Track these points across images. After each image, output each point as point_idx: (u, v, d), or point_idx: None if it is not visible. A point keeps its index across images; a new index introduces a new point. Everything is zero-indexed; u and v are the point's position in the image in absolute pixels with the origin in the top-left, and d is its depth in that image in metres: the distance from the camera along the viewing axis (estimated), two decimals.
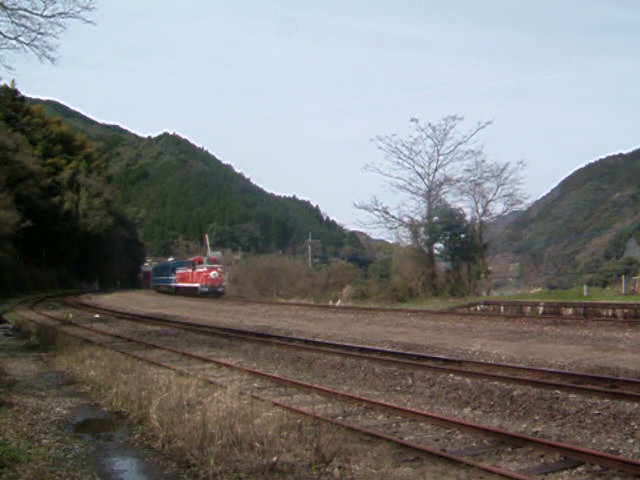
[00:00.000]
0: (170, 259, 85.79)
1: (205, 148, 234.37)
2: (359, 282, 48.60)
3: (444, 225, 42.82)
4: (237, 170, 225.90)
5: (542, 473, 6.01)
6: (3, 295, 44.27)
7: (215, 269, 49.99)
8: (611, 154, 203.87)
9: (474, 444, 7.01)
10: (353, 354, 13.80)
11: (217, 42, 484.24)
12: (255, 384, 10.81)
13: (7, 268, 52.89)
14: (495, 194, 43.64)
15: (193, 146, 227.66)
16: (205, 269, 49.38)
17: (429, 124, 43.51)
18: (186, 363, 13.44)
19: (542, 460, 6.40)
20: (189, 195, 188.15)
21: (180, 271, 55.53)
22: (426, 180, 45.11)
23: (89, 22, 24.56)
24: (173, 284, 57.32)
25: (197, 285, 49.03)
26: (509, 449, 6.75)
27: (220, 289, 49.28)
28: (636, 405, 8.30)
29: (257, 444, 6.12)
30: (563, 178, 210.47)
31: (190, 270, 51.75)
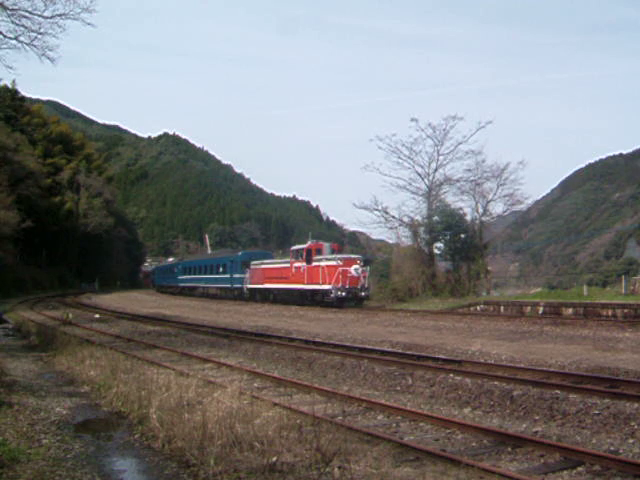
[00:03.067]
0: (170, 259, 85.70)
1: (205, 148, 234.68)
2: None
3: (444, 225, 42.79)
4: (237, 170, 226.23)
5: (542, 473, 6.01)
6: (3, 295, 44.27)
7: (355, 261, 31.70)
8: (611, 154, 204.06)
9: (474, 444, 7.01)
10: (353, 354, 13.80)
11: (217, 41, 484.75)
12: (255, 384, 10.81)
13: (7, 268, 52.85)
14: (495, 194, 43.60)
15: (193, 146, 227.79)
16: (338, 262, 30.98)
17: (429, 124, 43.46)
18: (186, 363, 13.43)
19: (542, 460, 6.40)
20: (189, 195, 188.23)
21: (264, 266, 38.36)
22: (426, 180, 45.09)
23: (89, 24, 24.64)
24: (241, 285, 41.11)
25: (325, 287, 30.87)
26: (509, 449, 6.75)
27: (364, 293, 31.64)
28: (636, 405, 8.29)
29: (257, 444, 6.12)
30: (563, 178, 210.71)
31: (299, 264, 33.49)
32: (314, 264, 32.13)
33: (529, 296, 35.20)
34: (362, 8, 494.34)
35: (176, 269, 59.97)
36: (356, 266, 31.12)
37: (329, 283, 30.56)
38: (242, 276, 41.29)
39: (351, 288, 30.68)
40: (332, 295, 30.32)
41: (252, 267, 39.83)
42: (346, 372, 12.16)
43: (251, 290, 39.91)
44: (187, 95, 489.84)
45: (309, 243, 34.40)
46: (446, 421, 7.88)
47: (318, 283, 31.51)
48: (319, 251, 33.23)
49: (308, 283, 32.48)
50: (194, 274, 53.29)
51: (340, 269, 30.56)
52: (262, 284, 37.97)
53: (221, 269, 45.87)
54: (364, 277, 31.49)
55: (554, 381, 10.04)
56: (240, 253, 44.78)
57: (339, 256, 32.04)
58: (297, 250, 34.57)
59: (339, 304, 30.10)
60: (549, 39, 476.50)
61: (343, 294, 30.46)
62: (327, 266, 31.04)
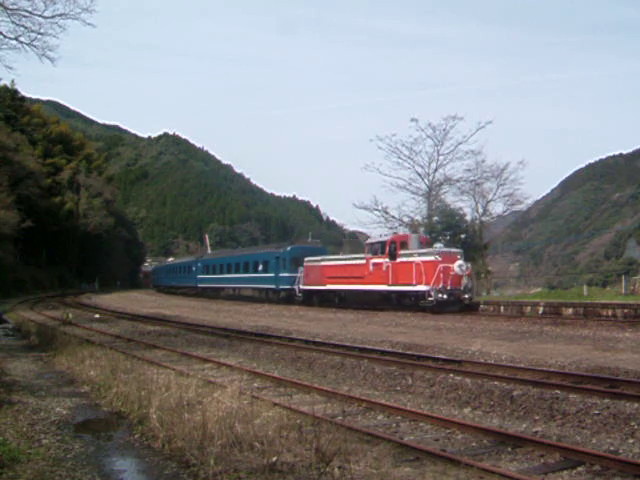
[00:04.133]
0: (170, 259, 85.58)
1: (205, 148, 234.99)
2: None
3: (444, 225, 42.82)
4: (237, 170, 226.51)
5: (542, 473, 6.01)
6: (3, 295, 44.27)
7: (456, 256, 26.16)
8: (611, 154, 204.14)
9: (474, 444, 7.01)
10: (353, 354, 13.80)
11: (217, 41, 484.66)
12: (255, 384, 10.81)
13: (7, 268, 52.87)
14: (495, 194, 43.67)
15: (193, 146, 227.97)
16: (436, 257, 25.37)
17: (429, 124, 43.57)
18: (186, 363, 13.44)
19: (542, 460, 6.40)
20: (189, 195, 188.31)
21: (325, 264, 32.07)
22: (426, 180, 45.15)
23: (89, 24, 24.67)
24: (290, 285, 34.76)
25: (421, 288, 25.15)
26: (509, 449, 6.75)
27: (467, 295, 25.93)
28: (636, 405, 8.29)
29: (257, 444, 6.12)
30: (563, 178, 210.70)
31: (379, 260, 27.64)
32: (401, 260, 26.60)
33: (529, 296, 35.19)
34: (362, 8, 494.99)
35: (194, 267, 53.33)
36: (460, 262, 25.62)
37: (426, 283, 24.81)
38: (291, 275, 34.63)
39: (453, 289, 25.08)
40: (431, 298, 24.68)
41: (307, 264, 33.25)
42: (346, 372, 12.17)
43: (306, 292, 33.26)
44: (187, 95, 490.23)
45: (390, 234, 29.36)
46: (446, 421, 7.88)
47: (409, 283, 25.83)
48: (404, 244, 27.61)
49: (393, 283, 26.70)
50: (220, 273, 46.66)
51: (441, 266, 24.93)
52: (322, 285, 31.65)
53: (261, 267, 39.05)
54: (468, 276, 26.02)
55: (554, 381, 10.04)
56: (289, 248, 36.92)
57: (438, 250, 26.25)
58: (375, 244, 28.66)
59: (438, 308, 24.62)
60: (549, 39, 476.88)
61: (444, 297, 24.83)
62: (424, 262, 25.31)
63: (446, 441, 7.19)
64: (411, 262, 25.94)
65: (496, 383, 10.09)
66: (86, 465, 6.20)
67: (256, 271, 39.74)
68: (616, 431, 7.48)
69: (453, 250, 27.37)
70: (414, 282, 25.52)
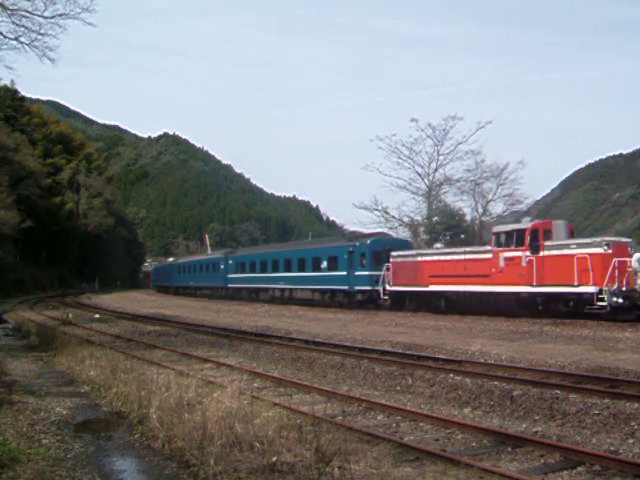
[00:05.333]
0: (170, 259, 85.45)
1: (205, 148, 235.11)
2: None
3: (444, 225, 42.83)
4: (237, 170, 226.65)
5: (542, 473, 6.01)
6: (3, 295, 44.26)
7: (627, 247, 20.27)
8: (611, 154, 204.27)
9: (474, 444, 7.01)
10: (353, 354, 13.80)
11: (217, 41, 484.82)
12: (255, 384, 10.81)
13: (7, 268, 52.87)
14: (495, 194, 43.70)
15: (193, 146, 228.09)
16: (605, 249, 19.56)
17: (429, 124, 43.66)
18: (186, 363, 13.44)
19: (542, 460, 6.40)
20: (189, 195, 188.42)
21: (425, 259, 26.48)
22: (426, 180, 45.21)
23: (89, 24, 24.63)
24: (371, 286, 28.95)
25: (587, 290, 19.31)
26: (509, 449, 6.75)
27: None
28: (636, 405, 8.29)
29: (257, 444, 6.12)
30: (563, 178, 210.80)
31: (514, 254, 21.80)
32: (550, 253, 20.73)
33: None
34: (362, 8, 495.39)
35: (222, 264, 47.11)
36: (638, 255, 19.36)
37: (594, 283, 19.07)
38: (372, 274, 28.74)
39: (630, 291, 19.20)
40: (603, 303, 18.76)
41: (395, 261, 27.61)
42: (346, 372, 12.16)
43: (395, 294, 27.35)
44: (187, 95, 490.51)
45: (529, 222, 22.55)
46: (446, 421, 7.88)
47: (567, 283, 19.88)
48: (547, 233, 21.62)
49: (540, 284, 20.73)
50: (261, 272, 40.33)
51: (615, 260, 19.07)
52: (420, 285, 25.95)
53: (325, 264, 32.86)
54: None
55: (554, 381, 10.04)
56: (369, 241, 30.85)
57: (606, 239, 20.21)
58: (508, 232, 22.53)
59: (612, 316, 18.98)
60: (549, 39, 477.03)
61: (619, 300, 18.93)
62: (590, 255, 19.36)
63: (446, 441, 7.19)
64: (569, 255, 19.98)
65: (496, 383, 10.09)
66: (86, 465, 6.20)
67: (317, 269, 33.42)
68: (616, 431, 7.47)
69: (623, 240, 21.34)
70: (576, 282, 19.56)
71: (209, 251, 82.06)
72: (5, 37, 23.90)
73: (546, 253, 20.92)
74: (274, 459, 5.78)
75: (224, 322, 23.47)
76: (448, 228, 42.74)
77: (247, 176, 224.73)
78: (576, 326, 18.51)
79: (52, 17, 23.42)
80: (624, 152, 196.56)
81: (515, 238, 21.99)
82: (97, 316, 29.42)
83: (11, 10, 23.21)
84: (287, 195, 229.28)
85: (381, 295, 28.00)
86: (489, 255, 22.95)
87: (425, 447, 6.61)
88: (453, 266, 24.50)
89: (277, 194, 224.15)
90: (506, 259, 22.14)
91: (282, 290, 38.53)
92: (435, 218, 44.05)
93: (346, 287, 30.73)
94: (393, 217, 45.15)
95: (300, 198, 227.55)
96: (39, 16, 23.34)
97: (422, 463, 6.20)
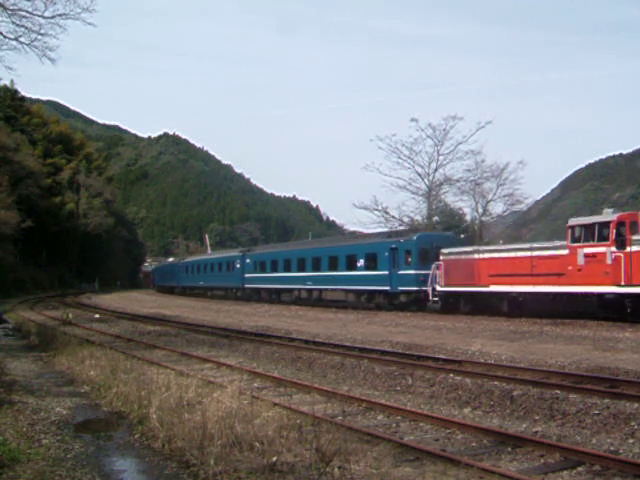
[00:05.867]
0: (170, 259, 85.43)
1: (205, 148, 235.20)
2: None
3: (444, 225, 42.82)
4: (237, 170, 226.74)
5: (542, 473, 6.00)
6: (3, 295, 44.28)
7: None
8: (611, 154, 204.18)
9: (474, 444, 7.01)
10: (353, 354, 13.80)
11: (217, 41, 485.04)
12: (255, 384, 10.81)
13: (7, 268, 52.89)
14: (495, 194, 43.62)
15: (193, 146, 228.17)
16: None
17: (429, 124, 43.55)
18: (186, 363, 13.44)
19: (542, 460, 6.40)
20: (189, 195, 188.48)
21: (484, 256, 23.85)
22: (426, 180, 45.13)
23: (89, 24, 24.59)
24: (418, 287, 26.64)
25: None
26: (509, 449, 6.75)
27: None
28: (636, 405, 8.29)
29: (257, 444, 6.12)
30: (563, 178, 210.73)
31: (596, 249, 19.67)
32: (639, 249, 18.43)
33: None
34: (362, 8, 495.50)
35: (238, 263, 44.34)
36: None
37: None
38: (419, 273, 26.59)
39: None
40: None
41: (447, 258, 25.31)
42: (346, 372, 12.16)
43: (448, 295, 25.07)
44: (187, 95, 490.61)
45: (612, 213, 20.35)
46: (446, 421, 7.87)
47: None
48: (634, 226, 19.54)
49: (628, 283, 18.43)
50: (284, 271, 37.80)
51: None
52: (478, 285, 23.47)
53: (362, 262, 30.55)
54: None
55: (554, 381, 10.04)
56: (415, 237, 28.53)
57: None
58: (587, 226, 20.34)
59: None
60: (549, 39, 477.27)
61: None
62: None
63: (446, 441, 7.19)
64: None
65: (496, 383, 10.09)
66: (86, 465, 6.20)
67: (352, 268, 31.11)
68: (616, 431, 7.47)
69: None
70: None
71: (209, 251, 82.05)
72: (5, 37, 23.89)
73: (634, 249, 18.48)
74: (274, 459, 5.77)
75: (224, 322, 23.47)
76: (448, 228, 42.70)
77: (247, 176, 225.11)
78: (576, 326, 18.52)
79: (52, 17, 23.41)
80: (624, 152, 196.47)
81: (597, 232, 19.78)
82: (97, 316, 29.43)
83: (11, 10, 23.21)
84: (287, 195, 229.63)
85: (430, 296, 25.65)
86: (564, 251, 20.62)
87: (425, 447, 6.61)
88: (518, 264, 21.98)
89: (277, 194, 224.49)
90: (586, 256, 19.84)
91: (309, 291, 35.67)
92: (435, 218, 44.06)
93: (387, 287, 28.51)
94: (393, 217, 45.11)
95: (300, 198, 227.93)
96: (39, 16, 23.33)
97: (422, 463, 6.20)
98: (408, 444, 6.71)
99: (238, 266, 44.37)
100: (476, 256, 24.25)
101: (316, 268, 34.22)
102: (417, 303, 27.18)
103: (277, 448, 6.04)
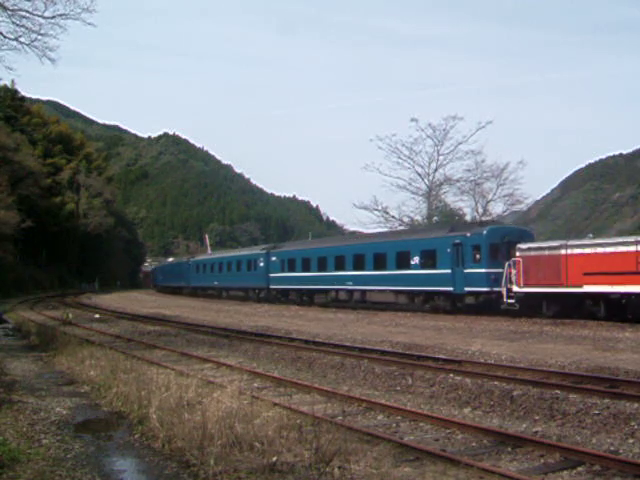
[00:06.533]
0: (170, 259, 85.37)
1: (205, 148, 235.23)
2: None
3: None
4: (237, 170, 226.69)
5: (542, 473, 6.00)
6: (3, 295, 44.28)
7: None
8: (611, 154, 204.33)
9: (474, 444, 7.01)
10: (353, 354, 13.80)
11: (217, 41, 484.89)
12: (255, 384, 10.80)
13: (7, 268, 52.89)
14: (495, 194, 43.73)
15: (193, 146, 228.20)
16: None
17: (429, 124, 43.66)
18: (186, 363, 13.44)
19: (542, 460, 6.40)
20: (189, 195, 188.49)
21: (585, 252, 20.31)
22: (426, 180, 45.21)
23: (89, 24, 24.59)
24: (488, 287, 23.38)
25: None
26: (509, 449, 6.75)
27: None
28: (636, 405, 8.29)
29: (257, 444, 6.12)
30: (563, 178, 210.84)
31: None
32: None
33: None
34: (362, 8, 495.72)
35: (262, 262, 40.10)
36: None
37: None
38: (491, 271, 23.42)
39: None
40: None
41: (525, 255, 22.10)
42: (346, 372, 12.16)
43: (527, 297, 21.84)
44: (187, 95, 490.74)
45: None
46: (446, 421, 7.87)
47: None
48: None
49: None
50: (317, 270, 34.14)
51: None
52: (571, 285, 20.21)
53: (417, 260, 27.19)
54: None
55: (554, 381, 10.04)
56: (485, 231, 24.78)
57: None
58: None
59: None
60: (549, 39, 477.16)
61: None
62: None
63: (446, 441, 7.18)
64: None
65: (496, 383, 10.09)
66: (86, 465, 6.20)
67: (405, 266, 27.74)
68: (616, 431, 7.47)
69: None
70: None
71: (209, 251, 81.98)
72: (5, 37, 23.88)
73: None
74: (274, 459, 5.77)
75: (224, 322, 23.47)
76: None
77: (247, 176, 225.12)
78: (576, 326, 18.52)
79: (52, 17, 23.40)
80: (624, 152, 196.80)
81: None
82: (97, 316, 29.42)
83: (11, 10, 23.20)
84: (287, 195, 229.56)
85: (504, 298, 22.50)
86: None
87: (425, 447, 6.61)
88: (620, 261, 18.89)
89: (277, 194, 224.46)
90: None
91: (349, 292, 32.09)
92: (435, 218, 44.10)
93: (450, 288, 25.11)
94: (393, 217, 45.18)
95: (300, 198, 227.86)
96: (39, 16, 23.33)
97: (422, 463, 6.20)
98: (408, 444, 6.71)
99: (262, 265, 40.07)
100: (563, 252, 20.94)
101: (359, 266, 30.69)
102: (488, 305, 23.83)
103: (277, 448, 6.04)
